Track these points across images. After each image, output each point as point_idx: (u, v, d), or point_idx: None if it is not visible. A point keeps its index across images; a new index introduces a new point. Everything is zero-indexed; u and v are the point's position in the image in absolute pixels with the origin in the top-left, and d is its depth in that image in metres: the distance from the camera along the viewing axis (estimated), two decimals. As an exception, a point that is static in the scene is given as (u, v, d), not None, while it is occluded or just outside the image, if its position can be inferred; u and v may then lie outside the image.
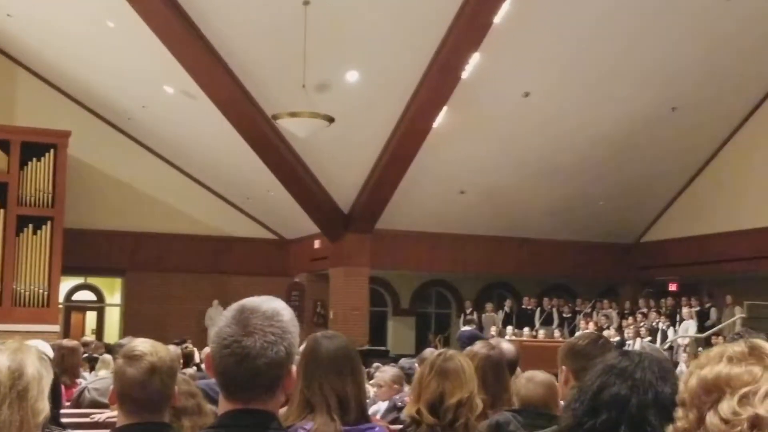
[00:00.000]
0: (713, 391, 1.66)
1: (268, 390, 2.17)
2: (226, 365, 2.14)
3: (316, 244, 23.31)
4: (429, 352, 6.41)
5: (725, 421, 1.63)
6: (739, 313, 19.24)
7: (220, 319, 2.23)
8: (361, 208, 21.37)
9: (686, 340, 18.93)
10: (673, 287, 23.12)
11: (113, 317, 25.61)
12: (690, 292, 22.08)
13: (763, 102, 20.43)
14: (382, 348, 22.61)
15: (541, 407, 4.23)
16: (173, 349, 7.44)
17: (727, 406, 1.63)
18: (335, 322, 22.55)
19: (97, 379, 7.41)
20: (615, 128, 19.71)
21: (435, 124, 18.75)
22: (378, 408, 6.81)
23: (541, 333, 21.20)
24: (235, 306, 2.25)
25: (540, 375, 4.49)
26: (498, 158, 20.18)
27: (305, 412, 3.33)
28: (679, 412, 1.74)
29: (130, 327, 22.67)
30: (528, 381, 4.39)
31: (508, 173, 20.73)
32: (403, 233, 22.33)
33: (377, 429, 3.37)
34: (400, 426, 4.49)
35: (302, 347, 3.63)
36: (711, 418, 1.65)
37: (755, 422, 1.61)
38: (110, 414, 5.65)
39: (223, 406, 2.19)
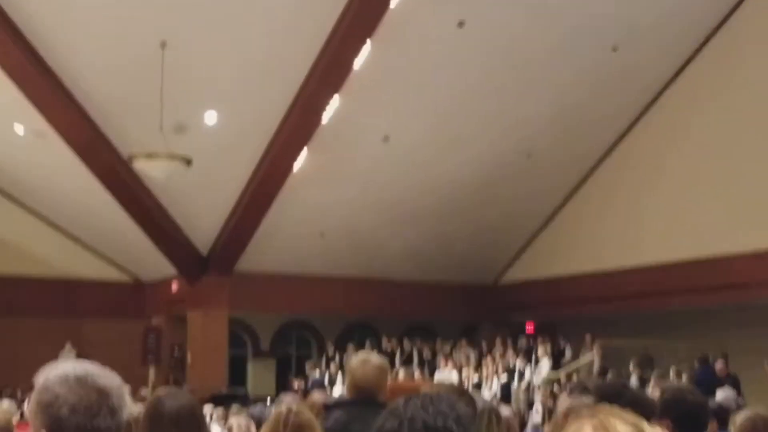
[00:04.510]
0: None
1: None
2: None
3: (174, 286, 22.83)
4: (287, 400, 6.34)
5: None
6: (596, 353, 19.73)
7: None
8: (220, 250, 21.09)
9: (542, 380, 19.31)
10: (529, 327, 23.58)
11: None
12: (546, 332, 22.56)
13: (614, 147, 21.19)
14: (241, 391, 22.24)
15: (371, 390, 4.54)
16: (6, 408, 7.16)
17: None
18: (193, 365, 22.12)
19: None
20: (473, 173, 20.11)
21: (295, 167, 18.72)
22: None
23: (402, 373, 21.24)
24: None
25: (374, 358, 4.68)
26: (358, 201, 20.29)
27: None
28: None
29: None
30: (362, 364, 4.60)
31: (368, 216, 20.85)
32: (263, 275, 22.09)
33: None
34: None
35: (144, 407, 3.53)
36: None
37: None
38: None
39: None
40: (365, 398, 4.63)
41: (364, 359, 4.76)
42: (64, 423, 2.12)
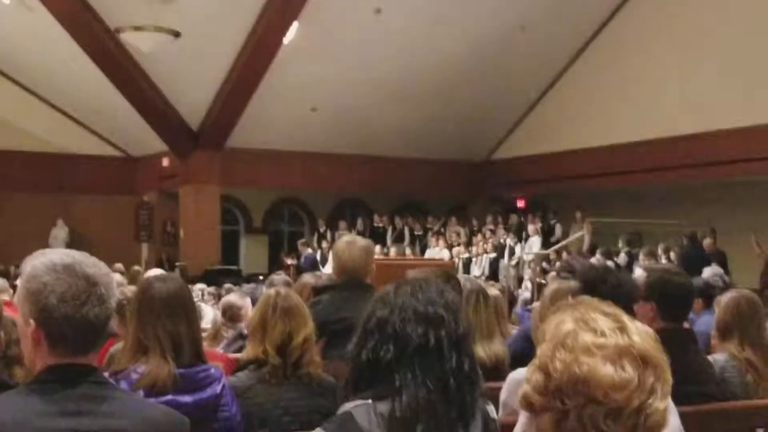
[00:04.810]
0: (583, 392, 1.69)
1: None
2: None
3: (165, 162, 22.81)
4: (278, 280, 6.42)
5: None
6: (586, 230, 19.90)
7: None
8: (211, 126, 20.99)
9: (531, 256, 19.51)
10: (520, 204, 23.73)
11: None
12: (537, 208, 22.75)
13: (609, 21, 20.92)
14: (234, 267, 22.50)
15: (358, 272, 4.69)
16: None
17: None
18: (186, 241, 22.29)
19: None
20: (465, 48, 19.87)
21: (286, 40, 18.48)
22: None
23: (393, 251, 21.48)
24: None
25: (360, 240, 4.78)
26: (350, 76, 20.07)
27: (138, 355, 3.28)
28: (535, 376, 1.76)
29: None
30: (348, 246, 4.68)
31: (360, 91, 20.67)
32: (254, 151, 22.07)
33: (212, 370, 3.35)
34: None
35: (135, 290, 3.57)
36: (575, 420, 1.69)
37: None
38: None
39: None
40: (352, 281, 4.68)
41: (349, 241, 4.79)
42: (52, 312, 2.14)
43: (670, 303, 4.13)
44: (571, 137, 21.51)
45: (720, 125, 18.01)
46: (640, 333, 1.75)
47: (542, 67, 21.62)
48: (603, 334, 1.72)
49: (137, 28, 15.47)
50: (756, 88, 17.40)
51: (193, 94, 20.12)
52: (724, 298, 4.68)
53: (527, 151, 22.97)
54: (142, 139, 22.34)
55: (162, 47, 16.13)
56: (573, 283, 3.93)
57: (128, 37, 15.88)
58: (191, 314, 3.37)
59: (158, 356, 3.25)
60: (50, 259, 2.20)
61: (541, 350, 1.77)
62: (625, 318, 1.78)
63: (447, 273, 4.44)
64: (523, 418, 2.95)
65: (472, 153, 24.34)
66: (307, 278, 5.08)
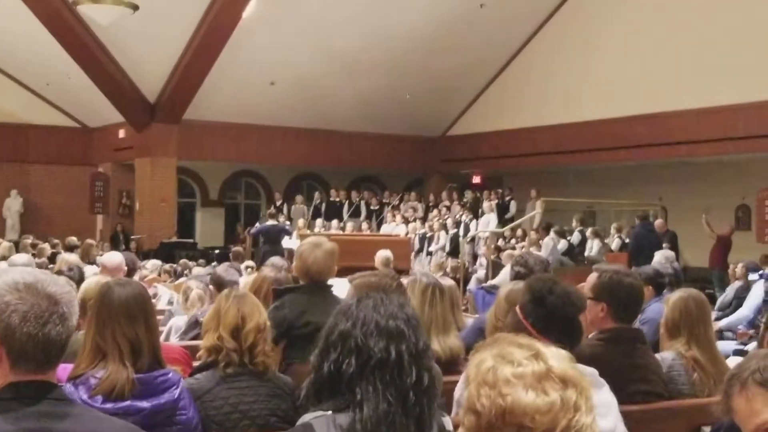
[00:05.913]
0: (512, 422, 1.77)
1: None
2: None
3: (121, 133, 22.60)
4: (221, 270, 6.39)
5: None
6: (539, 208, 20.05)
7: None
8: (168, 98, 20.81)
9: (487, 234, 19.65)
10: (476, 180, 23.85)
11: None
12: (493, 185, 22.88)
13: (563, 3, 21.03)
14: (190, 240, 22.41)
15: (321, 275, 4.74)
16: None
17: None
18: (141, 213, 22.15)
19: None
20: (424, 22, 19.88)
21: (245, 13, 18.36)
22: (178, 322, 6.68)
23: (350, 226, 21.51)
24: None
25: (325, 243, 4.80)
26: (309, 50, 20.01)
27: (97, 360, 3.30)
28: (466, 419, 1.84)
29: None
30: (313, 248, 4.69)
31: (319, 65, 20.62)
32: (211, 124, 21.95)
33: (170, 375, 3.38)
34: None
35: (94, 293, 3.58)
36: None
37: None
38: None
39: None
40: (315, 283, 4.71)
41: (315, 243, 4.78)
42: (15, 331, 2.16)
43: (620, 304, 4.22)
44: (527, 115, 21.66)
45: (671, 106, 18.30)
46: (555, 356, 1.84)
47: (500, 44, 21.69)
48: (520, 364, 1.80)
49: (96, 1, 15.29)
50: (707, 71, 17.67)
51: (150, 66, 19.93)
52: (673, 297, 4.77)
53: (484, 128, 23.08)
54: (99, 110, 22.11)
55: (120, 20, 15.96)
56: (524, 292, 3.99)
57: (86, 10, 15.70)
58: (150, 319, 3.39)
59: (117, 361, 3.27)
60: (12, 278, 2.21)
61: (468, 392, 1.85)
62: (539, 345, 1.87)
63: (394, 276, 4.51)
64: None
65: (429, 128, 24.40)
66: (267, 272, 5.10)
